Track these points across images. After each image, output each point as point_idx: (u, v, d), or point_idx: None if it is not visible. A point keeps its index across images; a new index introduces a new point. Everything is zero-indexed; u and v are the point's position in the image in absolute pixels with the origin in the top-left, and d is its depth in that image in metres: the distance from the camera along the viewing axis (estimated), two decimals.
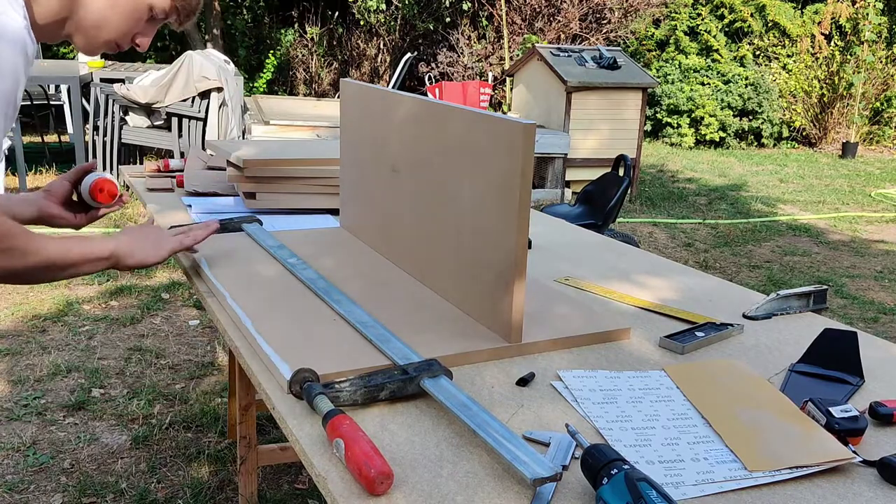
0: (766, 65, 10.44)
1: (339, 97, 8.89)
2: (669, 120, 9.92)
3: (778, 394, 1.03)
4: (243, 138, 5.84)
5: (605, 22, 9.81)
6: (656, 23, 10.55)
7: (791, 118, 10.27)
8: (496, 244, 1.16)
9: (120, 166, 3.94)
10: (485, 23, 10.41)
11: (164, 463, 2.46)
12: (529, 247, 1.73)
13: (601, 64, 6.56)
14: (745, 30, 10.46)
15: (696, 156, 9.33)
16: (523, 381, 1.06)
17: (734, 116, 9.89)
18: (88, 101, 6.12)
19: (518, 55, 9.32)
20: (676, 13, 10.39)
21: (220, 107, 5.74)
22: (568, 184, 6.38)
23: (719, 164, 8.75)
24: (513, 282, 1.13)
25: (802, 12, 10.65)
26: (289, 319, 1.21)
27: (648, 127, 9.87)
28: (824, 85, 10.28)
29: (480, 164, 1.18)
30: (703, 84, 9.92)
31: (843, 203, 7.00)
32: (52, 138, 7.35)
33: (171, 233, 1.39)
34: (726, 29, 10.47)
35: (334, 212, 1.92)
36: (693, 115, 9.78)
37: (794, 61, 10.45)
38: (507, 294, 1.14)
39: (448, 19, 10.47)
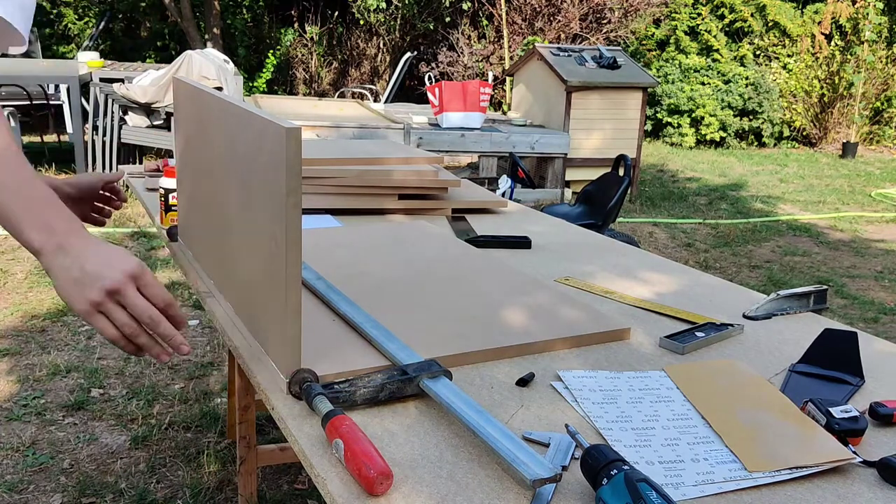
0: (766, 64, 10.44)
1: (339, 97, 8.86)
2: (670, 120, 9.92)
3: (778, 394, 1.03)
4: None
5: (605, 22, 9.81)
6: (656, 22, 10.55)
7: (791, 118, 10.27)
8: (266, 273, 1.02)
9: (119, 166, 3.93)
10: (485, 22, 10.41)
11: (163, 463, 2.46)
12: (529, 246, 1.73)
13: (601, 64, 6.56)
14: (746, 29, 10.45)
15: (697, 156, 9.33)
16: (523, 382, 1.06)
17: (734, 116, 9.89)
18: (88, 101, 6.12)
19: (518, 55, 9.32)
20: (676, 13, 10.39)
21: None
22: (568, 184, 6.38)
23: (719, 164, 8.75)
24: (280, 311, 0.98)
25: (802, 12, 10.65)
26: None
27: (649, 127, 9.87)
28: (824, 85, 10.28)
29: (248, 172, 1.06)
30: (703, 84, 9.91)
31: (843, 203, 7.00)
32: (51, 138, 7.35)
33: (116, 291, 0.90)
34: (726, 29, 10.47)
35: (334, 212, 1.92)
36: (693, 114, 9.78)
37: (795, 61, 10.45)
38: (279, 326, 1.00)
39: (448, 19, 10.47)
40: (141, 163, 4.65)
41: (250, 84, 10.41)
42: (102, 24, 9.49)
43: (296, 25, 11.30)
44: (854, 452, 0.89)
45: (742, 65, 10.26)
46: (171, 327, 0.94)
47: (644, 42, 10.57)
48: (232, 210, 1.17)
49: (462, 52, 10.14)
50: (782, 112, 10.18)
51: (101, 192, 1.48)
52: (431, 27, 10.55)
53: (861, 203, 7.03)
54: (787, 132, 10.30)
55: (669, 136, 9.95)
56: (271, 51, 10.77)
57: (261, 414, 2.55)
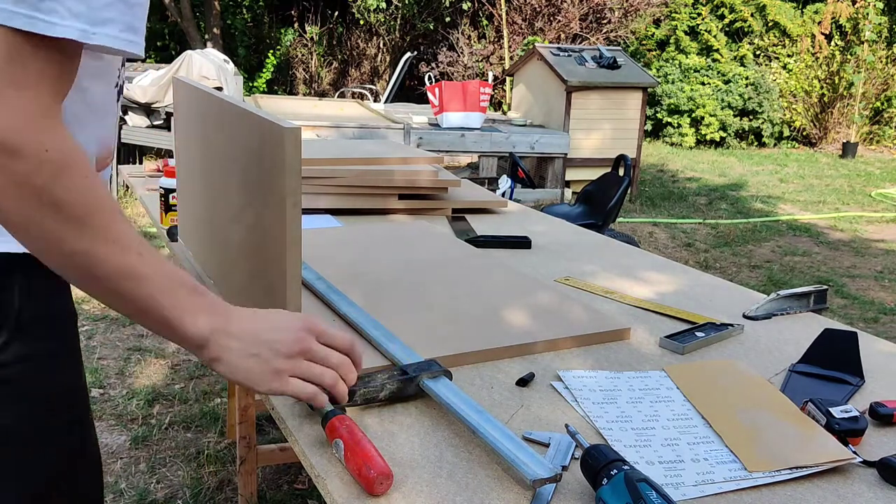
0: (766, 64, 10.44)
1: (339, 97, 8.85)
2: (670, 120, 9.93)
3: (778, 394, 1.03)
4: None
5: (605, 22, 9.81)
6: (656, 22, 10.56)
7: (791, 118, 10.28)
8: (266, 273, 1.02)
9: (119, 166, 3.94)
10: (485, 22, 10.41)
11: (163, 463, 2.46)
12: (529, 246, 1.73)
13: (601, 63, 6.56)
14: (746, 29, 10.46)
15: (697, 156, 9.33)
16: (523, 382, 1.06)
17: (734, 116, 9.89)
18: None
19: (518, 55, 9.32)
20: (676, 13, 10.40)
21: None
22: (568, 184, 6.38)
23: (719, 164, 8.75)
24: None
25: (802, 12, 10.66)
26: None
27: (649, 127, 9.87)
28: (824, 85, 10.28)
29: (248, 172, 1.06)
30: (703, 84, 9.92)
31: (843, 203, 7.00)
32: None
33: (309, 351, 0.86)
34: (726, 29, 10.48)
35: (334, 212, 1.92)
36: (693, 114, 9.79)
37: (795, 61, 10.45)
38: None
39: (448, 19, 10.47)
40: (141, 163, 4.65)
41: (250, 84, 10.41)
42: None
43: (296, 25, 11.31)
44: (854, 452, 0.89)
45: (742, 65, 10.27)
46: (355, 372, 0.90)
47: (644, 42, 10.58)
48: (232, 210, 1.16)
49: (462, 52, 10.14)
50: (782, 112, 10.19)
51: None
52: (431, 27, 10.55)
53: (861, 203, 7.03)
54: (787, 132, 10.30)
55: (669, 136, 9.96)
56: (271, 51, 10.77)
57: (261, 414, 2.55)
